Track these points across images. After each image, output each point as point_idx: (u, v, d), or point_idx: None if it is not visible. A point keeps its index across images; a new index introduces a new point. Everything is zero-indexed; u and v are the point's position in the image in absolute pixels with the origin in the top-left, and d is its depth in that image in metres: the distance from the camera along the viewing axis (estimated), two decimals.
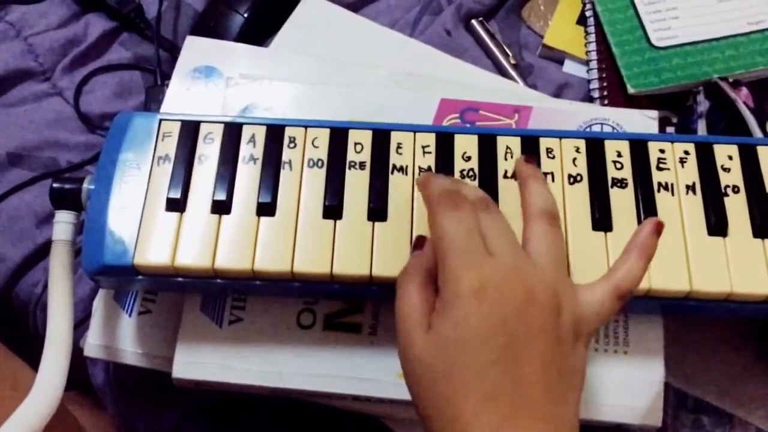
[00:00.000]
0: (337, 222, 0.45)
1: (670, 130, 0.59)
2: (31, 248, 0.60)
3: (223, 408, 0.54)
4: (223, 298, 0.49)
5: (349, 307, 0.49)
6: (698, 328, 0.53)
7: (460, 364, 0.36)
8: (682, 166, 0.47)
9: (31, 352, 0.57)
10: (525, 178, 0.45)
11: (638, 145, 0.48)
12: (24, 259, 0.60)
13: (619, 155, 0.47)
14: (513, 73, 0.64)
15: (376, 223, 0.45)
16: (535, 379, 0.35)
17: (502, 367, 0.35)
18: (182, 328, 0.49)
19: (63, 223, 0.47)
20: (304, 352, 0.48)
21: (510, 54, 0.65)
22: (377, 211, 0.45)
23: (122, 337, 0.51)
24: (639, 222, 0.45)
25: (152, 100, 0.63)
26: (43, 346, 0.44)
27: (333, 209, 0.45)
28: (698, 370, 0.52)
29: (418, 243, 0.41)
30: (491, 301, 0.36)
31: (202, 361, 0.48)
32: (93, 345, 0.51)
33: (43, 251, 0.60)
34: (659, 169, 0.47)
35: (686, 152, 0.47)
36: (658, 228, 0.41)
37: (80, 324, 0.55)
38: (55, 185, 0.48)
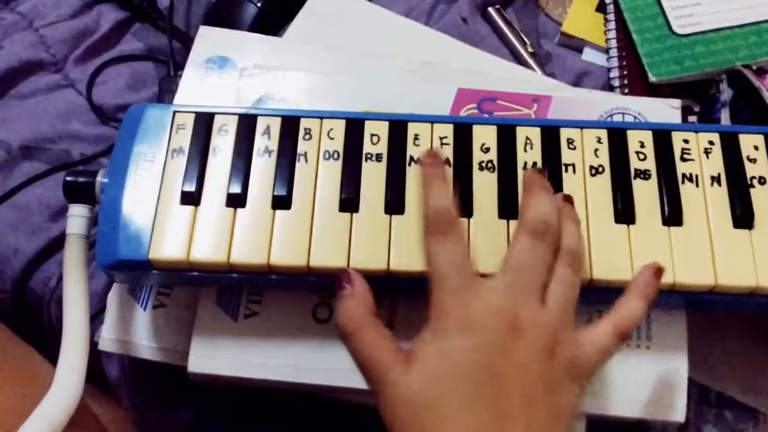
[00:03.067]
0: (354, 215, 0.45)
1: (692, 119, 0.58)
2: (44, 241, 0.60)
3: (239, 402, 0.54)
4: (239, 292, 0.49)
5: None
6: (721, 322, 0.52)
7: (444, 397, 0.35)
8: (707, 157, 0.46)
9: (46, 346, 0.57)
10: (565, 216, 0.42)
11: (662, 136, 0.46)
12: (37, 252, 0.59)
13: (642, 146, 0.46)
14: (531, 61, 0.63)
15: (394, 216, 0.44)
16: (521, 417, 0.35)
17: (488, 402, 0.35)
18: (197, 322, 0.48)
19: (77, 216, 0.47)
20: (320, 347, 0.47)
21: (528, 42, 0.64)
22: (394, 203, 0.45)
23: (137, 331, 0.50)
24: (663, 214, 0.44)
25: (165, 92, 0.62)
26: (57, 339, 0.44)
27: (349, 202, 0.45)
28: (721, 364, 0.52)
29: (344, 280, 0.40)
30: (476, 336, 0.36)
31: (218, 356, 0.47)
32: (107, 339, 0.50)
33: (56, 244, 0.60)
34: (683, 159, 0.46)
35: (711, 142, 0.46)
36: (658, 273, 0.41)
37: (94, 317, 0.54)
38: (68, 179, 0.47)
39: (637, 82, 0.60)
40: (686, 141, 0.46)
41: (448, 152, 0.46)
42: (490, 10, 0.66)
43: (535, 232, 0.40)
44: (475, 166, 0.46)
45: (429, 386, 0.36)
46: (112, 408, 0.58)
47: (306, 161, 0.46)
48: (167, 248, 0.43)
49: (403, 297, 0.48)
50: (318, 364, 0.47)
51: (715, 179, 0.45)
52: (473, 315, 0.37)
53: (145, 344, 0.50)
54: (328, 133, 0.47)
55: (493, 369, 0.36)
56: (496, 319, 0.37)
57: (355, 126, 0.47)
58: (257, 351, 0.47)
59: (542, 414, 0.36)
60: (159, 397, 0.56)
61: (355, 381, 0.46)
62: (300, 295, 0.48)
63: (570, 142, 0.46)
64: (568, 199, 0.44)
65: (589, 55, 0.64)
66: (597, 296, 0.44)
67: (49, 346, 0.56)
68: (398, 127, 0.47)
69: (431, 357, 0.36)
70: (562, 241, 0.41)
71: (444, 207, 0.40)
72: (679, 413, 0.46)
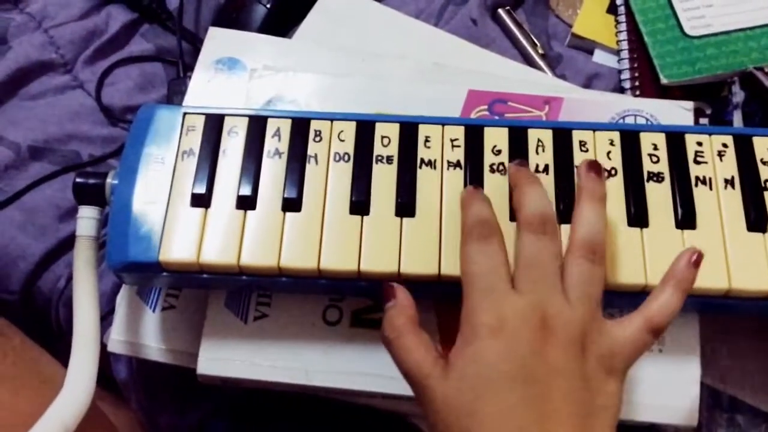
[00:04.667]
0: (364, 218, 0.44)
1: (704, 121, 0.57)
2: (53, 243, 0.60)
3: (247, 405, 0.54)
4: (248, 294, 0.48)
5: (376, 304, 0.48)
6: (733, 326, 0.51)
7: (482, 402, 0.36)
8: (721, 160, 0.45)
9: (54, 347, 0.57)
10: (581, 194, 0.42)
11: (675, 138, 0.46)
12: (46, 253, 0.59)
13: (655, 148, 0.46)
14: (541, 63, 0.63)
15: (404, 219, 0.44)
16: (562, 417, 0.35)
17: (526, 404, 0.35)
18: (207, 324, 0.48)
19: (87, 218, 0.47)
20: (331, 349, 0.47)
21: (538, 44, 0.64)
22: (405, 206, 0.44)
23: (146, 333, 0.50)
24: (676, 218, 0.44)
25: (175, 93, 0.62)
26: (66, 340, 0.44)
27: (360, 205, 0.44)
28: (733, 368, 0.51)
29: (389, 292, 0.41)
30: (507, 339, 0.36)
31: (227, 358, 0.47)
32: (116, 341, 0.50)
33: (65, 245, 0.60)
34: (697, 162, 0.45)
35: (724, 145, 0.46)
36: (698, 259, 0.40)
37: (103, 319, 0.54)
38: (78, 180, 0.47)
39: (648, 84, 0.59)
40: (700, 143, 0.46)
41: (459, 154, 0.46)
42: (500, 11, 0.66)
43: (533, 227, 0.40)
44: (486, 168, 0.46)
45: (466, 392, 0.36)
46: (122, 409, 0.58)
47: (316, 163, 0.46)
48: (177, 250, 0.43)
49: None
50: (327, 366, 0.47)
51: (729, 182, 0.45)
52: (504, 319, 0.37)
53: (153, 346, 0.50)
54: (339, 135, 0.47)
55: (528, 371, 0.36)
56: (526, 321, 0.37)
57: (365, 128, 0.47)
58: (266, 353, 0.47)
59: (584, 412, 0.36)
60: (167, 399, 0.55)
61: (364, 384, 0.46)
62: (309, 298, 0.48)
63: (582, 144, 0.46)
64: (591, 179, 0.42)
65: (599, 57, 0.64)
66: (609, 300, 0.44)
67: (57, 347, 0.56)
68: (409, 129, 0.47)
69: (466, 363, 0.37)
70: (574, 233, 0.40)
71: (486, 215, 0.41)
72: (691, 417, 0.45)
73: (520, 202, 0.41)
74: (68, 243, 0.60)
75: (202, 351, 0.47)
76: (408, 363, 0.38)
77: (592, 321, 0.38)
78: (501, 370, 0.36)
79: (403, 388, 0.45)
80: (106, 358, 0.54)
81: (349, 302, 0.48)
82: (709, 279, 0.42)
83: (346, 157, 0.46)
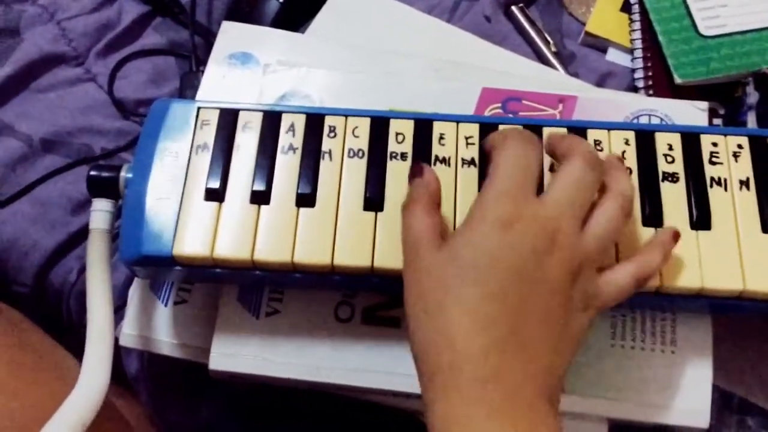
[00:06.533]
0: (378, 214, 0.44)
1: (717, 122, 0.57)
2: (64, 236, 0.60)
3: (257, 402, 0.54)
4: (260, 290, 0.48)
5: (389, 301, 0.48)
6: (744, 327, 0.51)
7: (464, 282, 0.36)
8: (736, 161, 0.45)
9: (65, 340, 0.57)
10: (610, 166, 0.42)
11: (690, 138, 0.46)
12: (58, 246, 0.59)
13: (671, 148, 0.46)
14: (554, 61, 0.62)
15: None
16: (535, 322, 0.36)
17: (506, 296, 0.36)
18: (219, 320, 0.48)
19: (100, 211, 0.47)
20: (342, 346, 0.47)
21: (551, 42, 0.64)
22: None
23: (157, 327, 0.50)
24: (691, 218, 0.44)
25: (187, 87, 0.62)
26: (77, 333, 0.44)
27: (374, 201, 0.44)
28: (744, 370, 0.51)
29: (417, 170, 0.42)
30: (514, 235, 0.37)
31: (239, 353, 0.47)
32: (128, 335, 0.50)
33: (77, 239, 0.60)
34: (712, 163, 0.45)
35: (740, 146, 0.46)
36: (676, 236, 0.42)
37: (115, 312, 0.54)
38: (92, 173, 0.47)
39: (661, 84, 0.59)
40: (715, 144, 0.46)
41: (473, 152, 0.46)
42: (514, 8, 0.65)
43: (590, 162, 0.39)
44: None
45: (452, 267, 0.37)
46: (134, 404, 0.58)
47: (330, 159, 0.46)
48: (191, 245, 0.43)
49: None
50: (339, 363, 0.47)
51: (744, 183, 0.45)
52: (519, 216, 0.37)
53: (165, 340, 0.50)
54: (353, 131, 0.47)
55: (523, 272, 0.36)
56: (538, 228, 0.37)
57: (380, 124, 0.47)
58: (278, 349, 0.47)
59: (555, 331, 0.37)
60: (177, 394, 0.55)
61: (375, 381, 0.46)
62: (322, 294, 0.48)
63: (597, 143, 0.46)
64: (621, 161, 0.44)
65: (613, 56, 0.63)
66: None
67: (68, 340, 0.56)
68: (424, 126, 0.47)
69: (463, 244, 0.37)
70: (614, 185, 0.41)
71: (597, 154, 0.40)
72: (703, 419, 0.45)
73: (574, 142, 0.41)
74: (80, 236, 0.60)
75: (214, 346, 0.47)
76: (410, 229, 0.39)
77: (592, 260, 0.39)
78: (497, 262, 0.36)
79: (414, 386, 0.46)
80: (117, 352, 0.54)
81: (361, 299, 0.48)
82: (724, 280, 0.42)
83: (360, 153, 0.46)
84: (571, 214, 0.38)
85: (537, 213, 0.38)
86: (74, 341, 0.51)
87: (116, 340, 0.50)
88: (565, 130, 0.46)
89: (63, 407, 0.40)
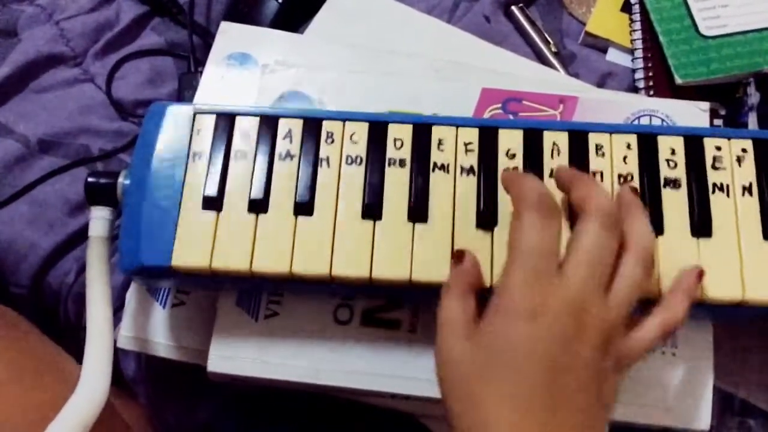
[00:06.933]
0: (377, 223, 0.44)
1: (718, 122, 0.57)
2: (62, 237, 0.60)
3: (255, 403, 0.54)
4: (259, 292, 0.48)
5: (388, 303, 0.48)
6: (745, 330, 0.51)
7: (499, 374, 0.36)
8: (739, 165, 0.45)
9: (63, 341, 0.56)
10: (626, 211, 0.41)
11: (693, 142, 0.45)
12: (55, 247, 0.59)
13: (673, 153, 0.45)
14: (554, 61, 0.62)
15: (417, 225, 0.44)
16: (572, 408, 0.36)
17: (543, 389, 0.36)
18: (217, 322, 0.48)
19: (99, 219, 0.47)
20: (341, 348, 0.47)
21: (551, 42, 0.63)
22: (418, 211, 0.44)
23: (155, 330, 0.50)
24: (692, 225, 0.43)
25: (186, 87, 0.62)
26: (75, 335, 0.44)
27: (372, 209, 0.44)
28: (745, 372, 0.51)
29: (459, 257, 0.41)
30: (543, 327, 0.37)
31: (238, 356, 0.47)
32: (126, 337, 0.50)
33: (74, 240, 0.60)
34: (714, 168, 0.45)
35: (744, 150, 0.45)
36: (700, 276, 0.41)
37: (113, 314, 0.54)
38: (90, 180, 0.47)
39: (662, 84, 0.59)
40: (718, 148, 0.45)
41: (472, 159, 0.45)
42: (514, 8, 0.65)
43: (607, 224, 0.39)
44: (500, 173, 0.45)
45: (482, 359, 0.37)
46: (132, 404, 0.58)
47: (328, 166, 0.45)
48: (190, 255, 0.43)
49: (422, 305, 0.47)
50: (338, 366, 0.47)
51: (747, 189, 0.44)
52: (545, 306, 0.37)
53: (163, 342, 0.50)
54: (351, 136, 0.46)
55: (554, 362, 0.36)
56: (565, 315, 0.37)
57: (378, 129, 0.46)
58: (277, 352, 0.47)
59: (591, 403, 0.37)
60: (175, 396, 0.55)
61: (374, 383, 0.46)
62: (321, 297, 0.48)
63: (598, 148, 0.45)
64: (636, 192, 0.43)
65: (613, 56, 0.63)
66: None
67: (66, 341, 0.55)
68: (422, 131, 0.46)
69: (495, 336, 0.37)
70: (633, 237, 0.40)
71: (547, 193, 0.40)
72: (703, 421, 0.45)
73: (588, 195, 0.40)
74: (77, 237, 0.60)
75: (213, 348, 0.47)
76: (444, 314, 0.39)
77: (621, 325, 0.39)
78: (528, 355, 0.36)
79: (413, 388, 0.46)
80: (114, 354, 0.54)
81: (360, 301, 0.48)
82: (723, 289, 0.42)
83: (359, 160, 0.46)
84: (594, 286, 0.38)
85: (563, 299, 0.37)
86: (72, 342, 0.51)
87: (114, 342, 0.50)
88: (566, 134, 0.46)
89: (64, 411, 0.40)
